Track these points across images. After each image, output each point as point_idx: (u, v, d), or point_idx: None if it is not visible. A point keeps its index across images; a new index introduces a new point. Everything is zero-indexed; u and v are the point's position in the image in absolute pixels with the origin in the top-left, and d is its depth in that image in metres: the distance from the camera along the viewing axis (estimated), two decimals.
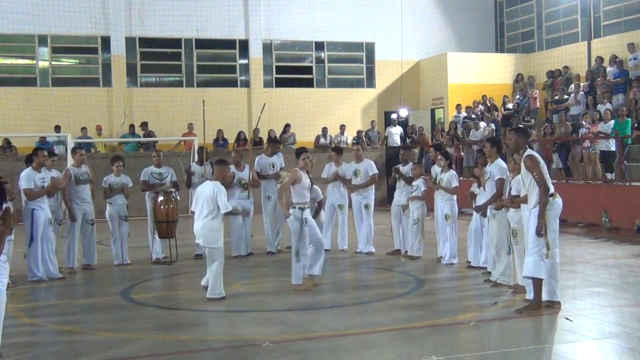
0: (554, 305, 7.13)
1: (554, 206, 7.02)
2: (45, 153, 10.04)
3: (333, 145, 20.82)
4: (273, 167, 11.78)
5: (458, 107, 22.22)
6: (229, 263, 10.69)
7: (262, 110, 13.45)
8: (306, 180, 8.72)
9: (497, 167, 8.45)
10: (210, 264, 8.08)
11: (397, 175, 11.17)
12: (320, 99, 24.11)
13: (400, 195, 11.13)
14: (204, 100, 12.72)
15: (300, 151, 9.02)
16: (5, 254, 5.77)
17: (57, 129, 19.88)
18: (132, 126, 21.36)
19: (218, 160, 8.76)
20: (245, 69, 24.04)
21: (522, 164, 7.07)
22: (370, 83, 25.31)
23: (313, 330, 6.66)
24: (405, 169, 11.17)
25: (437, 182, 10.30)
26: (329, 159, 12.04)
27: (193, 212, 8.33)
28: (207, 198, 8.07)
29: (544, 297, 7.14)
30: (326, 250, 11.77)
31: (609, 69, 19.28)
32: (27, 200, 9.53)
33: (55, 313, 7.91)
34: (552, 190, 7.03)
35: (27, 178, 9.57)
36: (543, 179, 6.92)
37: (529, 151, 7.03)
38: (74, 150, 10.93)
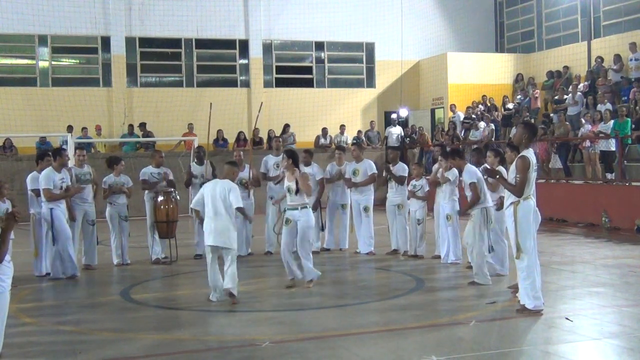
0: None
1: (525, 206, 6.92)
2: (68, 153, 10.16)
3: (333, 145, 20.84)
4: (278, 167, 11.65)
5: (452, 107, 22.24)
6: None
7: (260, 109, 13.45)
8: (287, 183, 8.78)
9: (467, 173, 8.79)
10: (229, 265, 7.84)
11: (388, 176, 11.20)
12: (320, 99, 24.11)
13: (394, 195, 11.15)
14: (211, 104, 12.70)
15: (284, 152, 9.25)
16: (8, 253, 5.77)
17: (70, 128, 19.82)
18: (130, 126, 21.37)
19: (229, 161, 8.68)
20: (245, 69, 24.04)
21: (514, 161, 7.08)
22: (370, 83, 25.31)
23: (313, 330, 6.66)
24: (395, 168, 11.20)
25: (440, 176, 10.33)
26: (337, 157, 12.02)
27: (195, 210, 8.11)
28: (219, 197, 7.86)
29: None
30: (327, 249, 11.86)
31: (613, 67, 19.28)
32: (46, 200, 9.56)
33: (55, 313, 7.91)
34: (527, 194, 6.97)
35: (47, 178, 9.61)
36: (522, 185, 6.89)
37: (525, 152, 7.00)
38: (74, 150, 10.95)
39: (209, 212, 7.89)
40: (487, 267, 8.73)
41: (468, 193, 8.79)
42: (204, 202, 7.99)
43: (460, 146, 19.66)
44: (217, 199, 7.86)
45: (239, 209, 7.91)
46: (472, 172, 8.78)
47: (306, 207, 8.71)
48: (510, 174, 7.11)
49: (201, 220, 8.24)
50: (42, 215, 9.63)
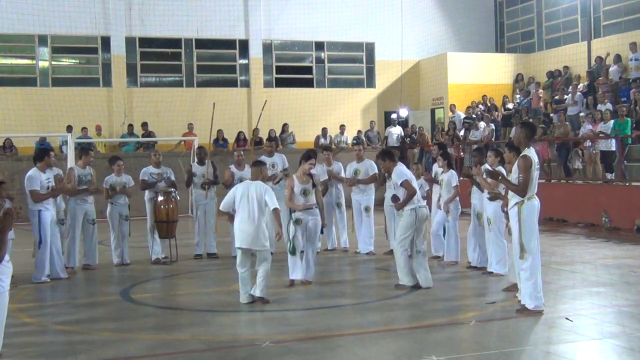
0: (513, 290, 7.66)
1: (529, 207, 6.91)
2: (53, 154, 10.10)
3: (333, 145, 20.85)
4: (273, 167, 11.65)
5: (452, 107, 22.26)
6: (229, 263, 10.71)
7: (263, 107, 13.47)
8: (300, 185, 8.87)
9: (396, 174, 8.68)
10: (261, 264, 7.81)
11: (386, 175, 11.19)
12: (320, 99, 24.11)
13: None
14: (214, 104, 12.72)
15: (309, 155, 9.22)
16: (7, 253, 5.76)
17: (69, 129, 19.75)
18: (131, 126, 21.37)
19: (255, 161, 8.68)
20: (245, 69, 24.04)
21: (517, 161, 7.07)
22: (370, 83, 25.31)
23: (313, 330, 6.66)
24: None
25: (439, 182, 10.37)
26: (326, 158, 12.01)
27: (222, 212, 8.00)
28: (254, 198, 7.75)
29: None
30: (327, 249, 11.85)
31: (612, 67, 19.31)
32: (33, 202, 9.52)
33: (55, 313, 7.91)
34: (531, 194, 6.96)
35: (34, 179, 9.55)
36: (525, 185, 6.88)
37: (527, 151, 7.00)
38: (85, 151, 10.84)
39: (242, 214, 7.76)
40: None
41: (400, 193, 8.72)
42: (233, 204, 7.86)
43: (461, 146, 19.75)
44: (252, 200, 7.75)
45: (274, 211, 7.83)
46: (402, 173, 8.67)
47: (312, 207, 8.89)
48: (513, 174, 7.10)
49: (231, 220, 8.08)
50: (29, 216, 9.55)
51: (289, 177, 9.22)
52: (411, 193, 8.51)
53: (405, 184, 8.55)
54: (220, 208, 8.07)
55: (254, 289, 7.82)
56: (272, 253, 11.27)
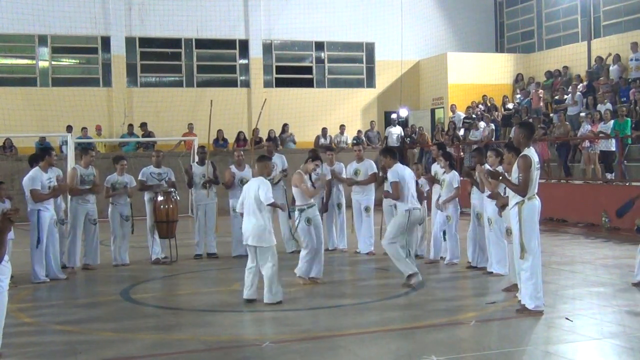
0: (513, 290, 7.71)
1: (529, 206, 6.91)
2: (54, 153, 10.10)
3: (334, 145, 20.83)
4: (273, 167, 11.63)
5: (452, 107, 22.28)
6: (229, 263, 10.73)
7: (263, 106, 13.47)
8: (309, 181, 9.05)
9: (391, 173, 8.80)
10: (263, 265, 7.80)
11: (384, 176, 11.19)
12: (320, 99, 24.11)
13: None
14: (211, 101, 12.75)
15: (317, 156, 9.45)
16: (6, 253, 5.75)
17: (69, 129, 19.69)
18: (130, 126, 21.37)
19: (260, 156, 8.58)
20: (245, 69, 24.05)
21: (517, 161, 7.06)
22: (370, 83, 25.31)
23: (313, 330, 6.67)
24: None
25: (440, 182, 10.36)
26: (329, 158, 12.01)
27: (241, 214, 8.12)
28: (251, 195, 7.84)
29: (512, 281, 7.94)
30: (327, 250, 11.83)
31: (612, 67, 19.32)
32: (33, 201, 9.50)
33: (55, 313, 7.91)
34: (531, 194, 6.96)
35: (34, 179, 9.53)
36: (525, 184, 6.88)
37: (526, 151, 7.00)
38: (86, 150, 10.82)
39: (245, 211, 7.94)
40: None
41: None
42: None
43: (461, 146, 19.74)
44: (249, 197, 7.87)
45: (270, 205, 7.86)
46: (396, 173, 8.73)
47: (314, 204, 9.11)
48: (513, 174, 7.10)
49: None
50: (28, 216, 9.52)
51: (298, 174, 9.07)
52: (394, 196, 8.64)
53: (393, 185, 8.64)
54: (237, 209, 8.45)
55: (265, 296, 7.81)
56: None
